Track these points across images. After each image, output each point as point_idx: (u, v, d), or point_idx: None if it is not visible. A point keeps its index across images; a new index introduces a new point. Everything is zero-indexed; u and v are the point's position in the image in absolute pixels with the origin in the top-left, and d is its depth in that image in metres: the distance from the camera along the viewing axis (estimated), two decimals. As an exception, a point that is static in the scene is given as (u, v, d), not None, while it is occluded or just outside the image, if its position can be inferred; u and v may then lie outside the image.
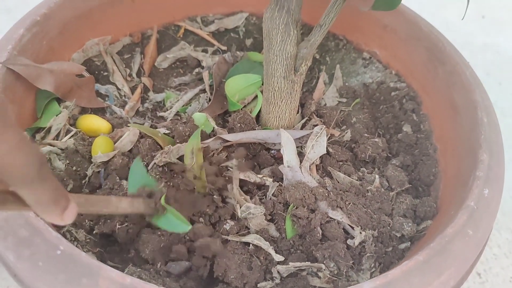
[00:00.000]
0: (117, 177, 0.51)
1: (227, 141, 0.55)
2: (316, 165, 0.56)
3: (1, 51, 0.52)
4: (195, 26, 0.72)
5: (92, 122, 0.55)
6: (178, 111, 0.61)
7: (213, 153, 0.54)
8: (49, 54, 0.60)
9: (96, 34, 0.65)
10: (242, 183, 0.53)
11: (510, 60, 1.09)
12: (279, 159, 0.57)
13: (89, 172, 0.51)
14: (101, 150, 0.51)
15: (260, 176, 0.53)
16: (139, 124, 0.59)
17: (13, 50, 0.53)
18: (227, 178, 0.52)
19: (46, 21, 0.58)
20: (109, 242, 0.49)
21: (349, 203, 0.51)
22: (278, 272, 0.48)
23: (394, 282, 0.37)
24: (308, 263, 0.48)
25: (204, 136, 0.56)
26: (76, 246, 0.45)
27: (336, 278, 0.48)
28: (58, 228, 0.46)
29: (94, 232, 0.48)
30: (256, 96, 0.62)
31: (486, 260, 0.73)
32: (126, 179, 0.52)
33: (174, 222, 0.42)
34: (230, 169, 0.52)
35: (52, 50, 0.60)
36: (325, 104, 0.65)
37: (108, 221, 0.48)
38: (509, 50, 1.11)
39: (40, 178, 0.29)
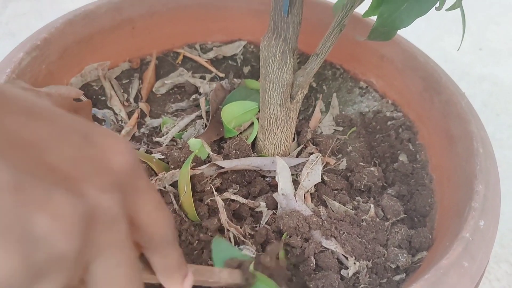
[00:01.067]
0: None
1: (222, 167, 0.54)
2: (311, 194, 0.56)
3: (0, 74, 0.53)
4: (193, 53, 0.73)
5: (87, 146, 0.55)
6: (174, 137, 0.61)
7: (207, 180, 0.53)
8: (48, 78, 0.60)
9: (96, 59, 0.66)
10: (236, 209, 0.53)
11: (507, 91, 1.09)
12: (274, 187, 0.57)
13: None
14: None
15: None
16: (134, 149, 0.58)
17: (12, 73, 0.54)
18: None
19: (46, 46, 0.59)
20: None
21: (344, 233, 0.50)
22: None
23: (387, 315, 0.37)
24: (301, 292, 0.47)
25: (199, 162, 0.56)
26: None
27: (329, 310, 0.46)
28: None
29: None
30: (252, 123, 0.62)
31: (485, 293, 0.72)
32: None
33: None
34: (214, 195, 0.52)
35: (51, 74, 0.61)
36: (321, 132, 0.65)
37: None
38: (506, 81, 1.12)
39: (175, 241, 0.29)
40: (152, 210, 0.27)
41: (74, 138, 0.24)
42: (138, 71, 0.70)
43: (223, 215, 0.50)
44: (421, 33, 1.20)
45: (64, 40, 0.61)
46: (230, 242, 0.49)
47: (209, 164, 0.54)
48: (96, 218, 0.23)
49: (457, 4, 0.44)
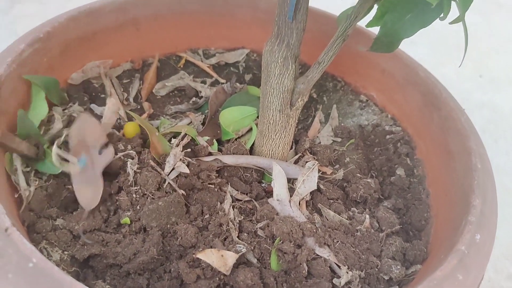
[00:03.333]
0: None
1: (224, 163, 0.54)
2: (306, 201, 0.55)
3: (0, 63, 0.53)
4: (196, 58, 0.73)
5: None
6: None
7: (207, 177, 0.53)
8: (48, 71, 0.60)
9: (98, 57, 0.66)
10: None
11: (506, 118, 1.10)
12: (269, 193, 0.56)
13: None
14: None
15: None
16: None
17: (12, 63, 0.54)
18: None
19: (48, 39, 0.59)
20: (86, 263, 0.47)
21: (337, 241, 0.50)
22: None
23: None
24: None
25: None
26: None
27: (319, 319, 0.45)
28: (35, 243, 0.45)
29: (66, 253, 0.46)
30: (251, 129, 0.62)
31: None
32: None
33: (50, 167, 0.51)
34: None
35: (52, 67, 0.60)
36: (320, 143, 0.64)
37: (84, 246, 0.46)
38: (505, 109, 1.12)
39: None
40: None
41: None
42: (139, 72, 0.70)
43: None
44: (423, 58, 1.20)
45: (66, 35, 0.61)
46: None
47: (213, 158, 0.54)
48: None
49: (461, 17, 0.44)
